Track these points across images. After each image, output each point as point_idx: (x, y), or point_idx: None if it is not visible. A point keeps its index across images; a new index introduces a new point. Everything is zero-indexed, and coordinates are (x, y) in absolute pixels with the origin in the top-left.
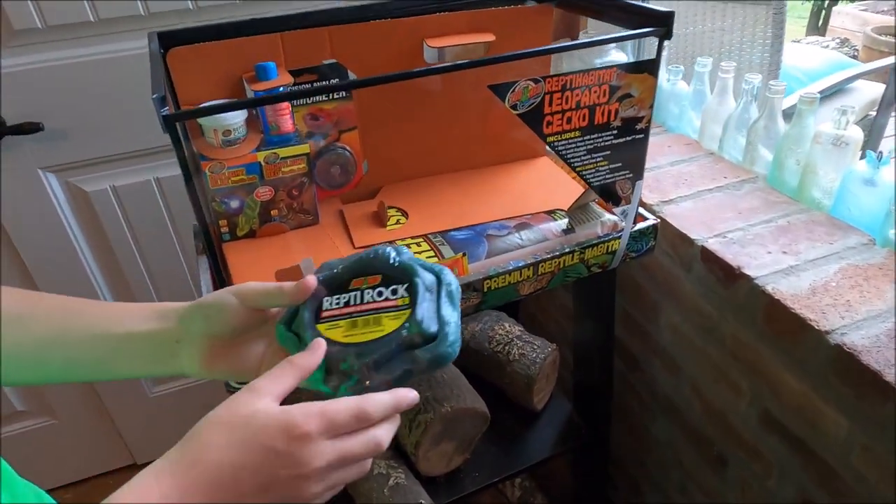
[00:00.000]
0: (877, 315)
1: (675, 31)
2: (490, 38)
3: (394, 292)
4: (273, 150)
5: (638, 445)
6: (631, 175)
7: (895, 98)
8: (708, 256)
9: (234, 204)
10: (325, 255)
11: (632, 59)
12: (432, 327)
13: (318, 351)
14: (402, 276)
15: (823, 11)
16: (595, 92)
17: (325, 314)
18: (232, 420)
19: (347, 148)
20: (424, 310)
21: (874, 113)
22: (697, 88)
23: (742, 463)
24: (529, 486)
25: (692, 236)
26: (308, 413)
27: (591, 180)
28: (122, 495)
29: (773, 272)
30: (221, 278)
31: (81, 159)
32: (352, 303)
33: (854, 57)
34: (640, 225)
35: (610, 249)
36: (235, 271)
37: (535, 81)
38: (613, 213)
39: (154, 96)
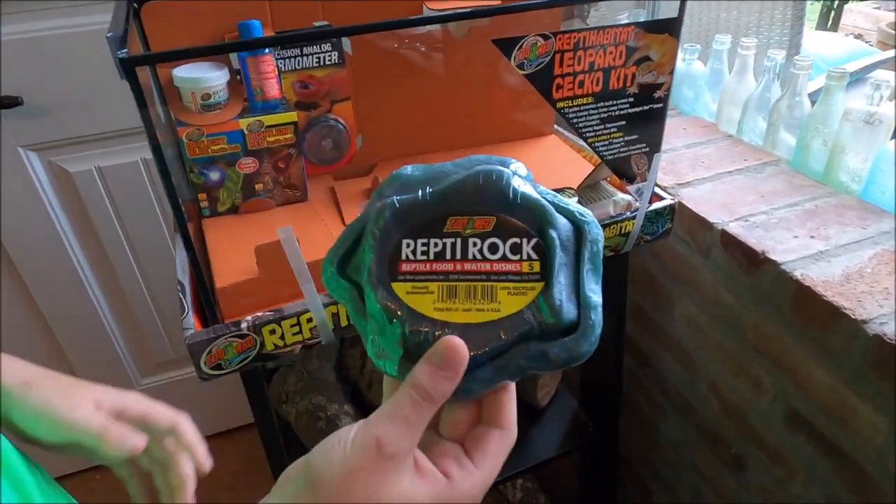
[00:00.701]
0: None
1: (690, 9)
2: (495, 1)
3: (515, 249)
4: (257, 118)
5: (647, 445)
6: (647, 149)
7: None
8: (729, 241)
9: (215, 176)
10: (313, 234)
11: None
12: (571, 313)
13: (456, 367)
14: (527, 219)
15: (833, 12)
16: (610, 53)
17: (404, 267)
18: None
19: (340, 120)
20: (563, 285)
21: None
22: (715, 68)
23: (763, 466)
24: (532, 486)
25: (711, 220)
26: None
27: (605, 153)
28: None
29: (801, 257)
30: (195, 259)
31: (64, 138)
32: (448, 255)
33: None
34: (657, 205)
35: (623, 231)
36: (214, 250)
37: (545, 38)
38: (627, 192)
39: (109, 35)
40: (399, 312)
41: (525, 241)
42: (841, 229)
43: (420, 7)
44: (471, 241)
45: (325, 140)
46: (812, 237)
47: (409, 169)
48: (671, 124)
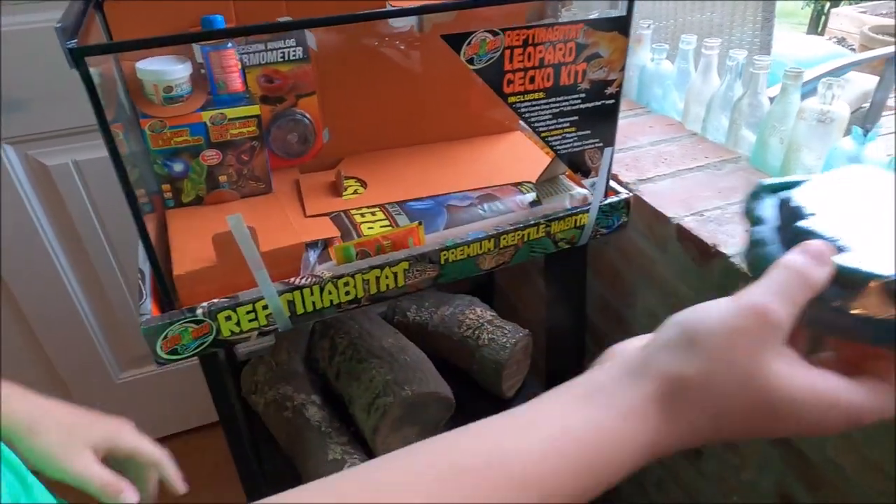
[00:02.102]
0: None
1: (660, 9)
2: None
3: None
4: (220, 111)
5: None
6: (601, 144)
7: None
8: (683, 235)
9: (178, 167)
10: (274, 225)
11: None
12: None
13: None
14: None
15: (823, 17)
16: (560, 49)
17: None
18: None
19: (306, 115)
20: None
21: (867, 105)
22: (681, 67)
23: (718, 455)
24: None
25: (668, 214)
26: None
27: (558, 148)
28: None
29: None
30: (149, 246)
31: (41, 131)
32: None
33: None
34: (611, 199)
35: (578, 223)
36: (174, 239)
37: (494, 34)
38: (584, 188)
39: (58, 25)
40: (807, 215)
41: None
42: None
43: (383, 3)
44: None
45: (291, 134)
46: None
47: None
48: (639, 122)
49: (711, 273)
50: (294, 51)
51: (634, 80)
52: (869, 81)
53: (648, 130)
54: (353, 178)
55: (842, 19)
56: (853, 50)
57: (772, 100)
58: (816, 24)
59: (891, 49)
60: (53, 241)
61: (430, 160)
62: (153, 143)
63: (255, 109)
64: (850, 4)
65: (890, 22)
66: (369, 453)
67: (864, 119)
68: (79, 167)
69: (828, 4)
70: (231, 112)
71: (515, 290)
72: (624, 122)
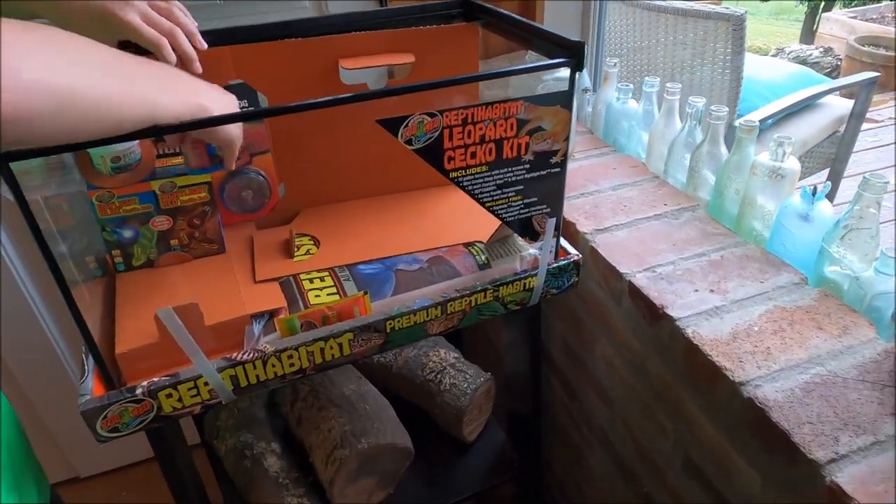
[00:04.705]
0: (795, 365)
1: (629, 44)
2: (409, 59)
3: None
4: (170, 179)
5: (578, 474)
6: (548, 210)
7: (858, 126)
8: (635, 292)
9: (128, 234)
10: (222, 293)
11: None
12: None
13: None
14: None
15: (818, 17)
16: (501, 126)
17: None
18: None
19: (261, 172)
20: None
21: (842, 130)
22: (646, 108)
23: None
24: None
25: (621, 270)
26: None
27: (505, 216)
28: None
29: (696, 313)
30: (83, 326)
31: None
32: None
33: (836, 66)
34: (561, 261)
35: (528, 286)
36: (121, 310)
37: (431, 115)
38: (535, 248)
39: None
40: None
41: None
42: (740, 283)
43: (335, 62)
44: None
45: (246, 191)
46: (711, 291)
47: None
48: (604, 162)
49: (660, 334)
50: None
51: (602, 116)
52: (846, 106)
53: (612, 173)
54: (306, 235)
55: (832, 24)
56: (839, 60)
57: (731, 144)
58: (812, 23)
59: (866, 75)
60: (23, 273)
61: (383, 214)
62: (101, 213)
63: (205, 177)
64: (842, 8)
65: (877, 29)
66: (327, 502)
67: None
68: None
69: (822, 5)
70: (181, 180)
71: (480, 326)
72: (587, 162)
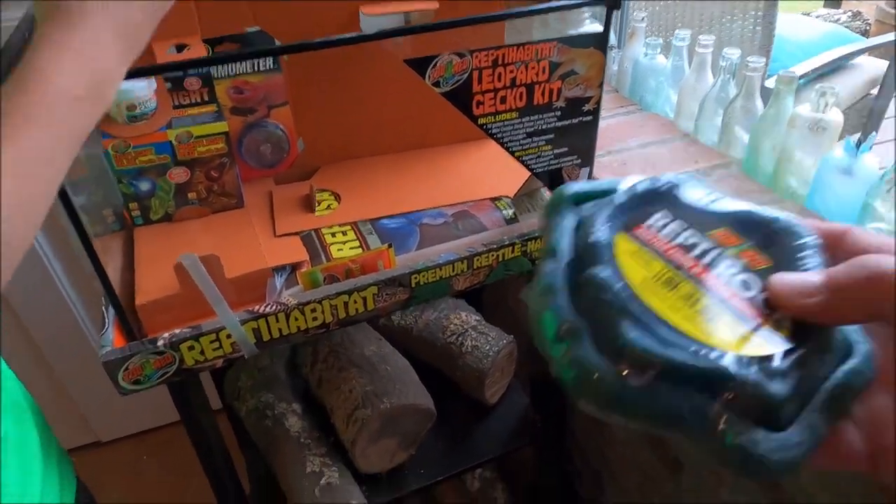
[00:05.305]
0: None
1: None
2: (433, 5)
3: (771, 306)
4: (186, 129)
5: (601, 440)
6: (579, 161)
7: None
8: None
9: (145, 186)
10: (242, 247)
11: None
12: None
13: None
14: None
15: None
16: (532, 68)
17: (641, 230)
18: None
19: (280, 125)
20: (805, 374)
21: (875, 92)
22: (676, 64)
23: (696, 470)
24: (490, 476)
25: None
26: None
27: (534, 166)
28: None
29: None
30: (104, 276)
31: None
32: (695, 252)
33: (865, 31)
34: None
35: None
36: (140, 263)
37: (461, 56)
38: None
39: None
40: (602, 258)
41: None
42: None
43: (355, 8)
44: (728, 260)
45: (264, 145)
46: None
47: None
48: (630, 121)
49: None
50: (264, 61)
51: (628, 74)
52: (879, 67)
53: (639, 131)
54: (327, 190)
55: None
56: (868, 25)
57: (767, 99)
58: None
59: None
60: (44, 244)
61: (406, 170)
62: (117, 163)
63: (222, 126)
64: None
65: None
66: (349, 463)
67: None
68: None
69: None
70: (198, 129)
71: (505, 286)
72: (614, 121)
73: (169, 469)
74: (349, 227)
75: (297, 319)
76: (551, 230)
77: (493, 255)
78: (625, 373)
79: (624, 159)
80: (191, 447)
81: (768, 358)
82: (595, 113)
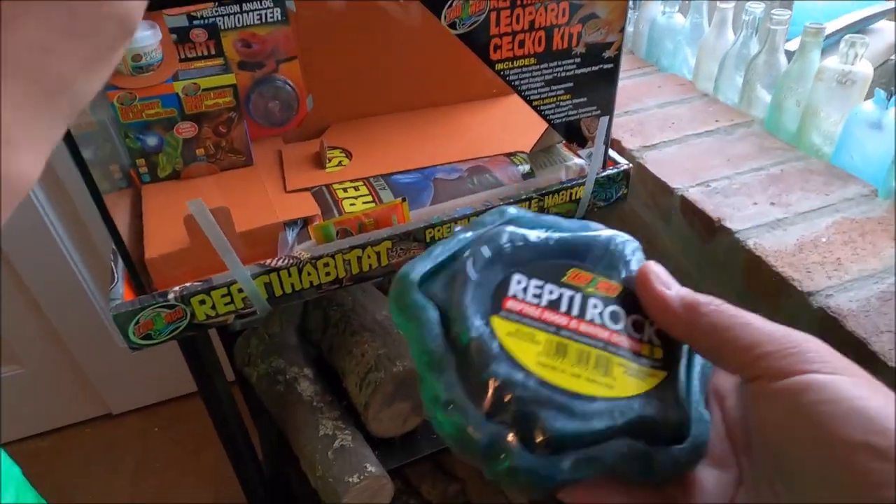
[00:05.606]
0: (870, 275)
1: None
2: None
3: (638, 327)
4: (193, 81)
5: None
6: (598, 112)
7: None
8: (687, 207)
9: (152, 141)
10: (253, 202)
11: None
12: (684, 419)
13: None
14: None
15: None
16: (552, 10)
17: (510, 303)
18: None
19: (288, 81)
20: (683, 384)
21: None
22: (694, 22)
23: None
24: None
25: (672, 185)
26: None
27: (552, 117)
28: None
29: (756, 226)
30: (113, 229)
31: None
32: (564, 307)
33: None
34: (609, 170)
35: (574, 197)
36: (148, 218)
37: None
38: (581, 158)
39: None
40: (494, 354)
41: (648, 322)
42: (803, 195)
43: None
44: (591, 300)
45: (273, 102)
46: (772, 204)
47: (514, 210)
48: (647, 81)
49: (716, 250)
50: (271, 12)
51: (644, 35)
52: None
53: (656, 91)
54: (337, 148)
55: None
56: None
57: (790, 56)
58: None
59: None
60: (49, 211)
61: (419, 128)
62: (123, 117)
63: (230, 79)
64: None
65: None
66: (361, 427)
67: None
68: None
69: None
70: (205, 82)
71: None
72: (630, 82)
73: (180, 441)
74: (361, 183)
75: (309, 274)
76: (413, 331)
77: None
78: (565, 465)
79: (641, 119)
80: (202, 420)
81: (661, 386)
82: (616, 60)
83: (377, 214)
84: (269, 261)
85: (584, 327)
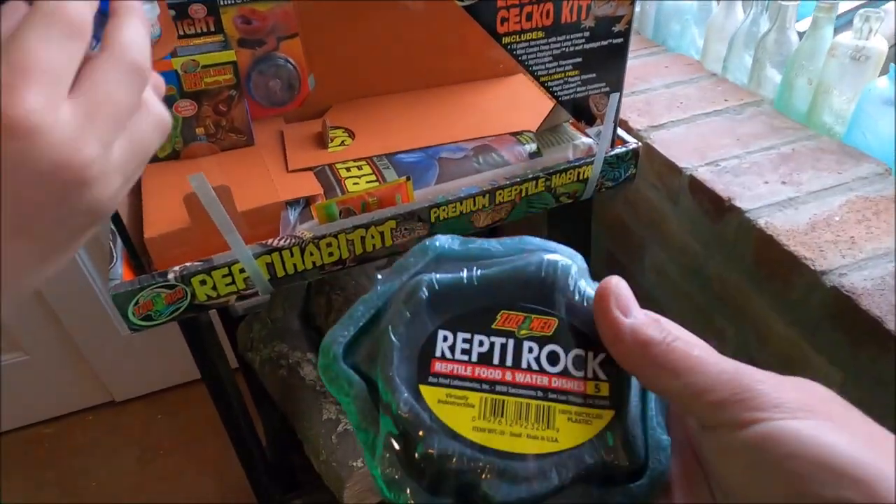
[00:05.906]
0: (884, 254)
1: None
2: None
3: (579, 364)
4: (192, 57)
5: None
6: (607, 88)
7: None
8: (696, 187)
9: None
10: (254, 181)
11: None
12: (642, 454)
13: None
14: (591, 327)
15: None
16: None
17: (438, 366)
18: None
19: (290, 59)
20: (635, 417)
21: None
22: (702, 2)
23: None
24: None
25: (680, 164)
26: None
27: (560, 94)
28: None
29: (767, 205)
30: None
31: None
32: (496, 359)
33: None
34: (618, 149)
35: (582, 176)
36: (148, 198)
37: None
38: (589, 136)
39: None
40: (426, 427)
41: (591, 354)
42: (815, 174)
43: None
44: (526, 344)
45: (274, 81)
46: (783, 183)
47: (443, 240)
48: (654, 62)
49: (725, 230)
50: None
51: (651, 15)
52: None
53: (664, 71)
54: (340, 128)
55: None
56: None
57: (801, 35)
58: None
59: None
60: None
61: (423, 107)
62: None
63: (230, 55)
64: None
65: None
66: None
67: None
68: None
69: None
70: (204, 59)
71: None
72: (637, 62)
73: (183, 429)
74: (364, 162)
75: (312, 254)
76: (345, 405)
77: (515, 190)
78: None
79: (648, 99)
80: (205, 407)
81: (610, 426)
82: (626, 35)
83: (381, 193)
84: (270, 240)
85: (520, 377)
